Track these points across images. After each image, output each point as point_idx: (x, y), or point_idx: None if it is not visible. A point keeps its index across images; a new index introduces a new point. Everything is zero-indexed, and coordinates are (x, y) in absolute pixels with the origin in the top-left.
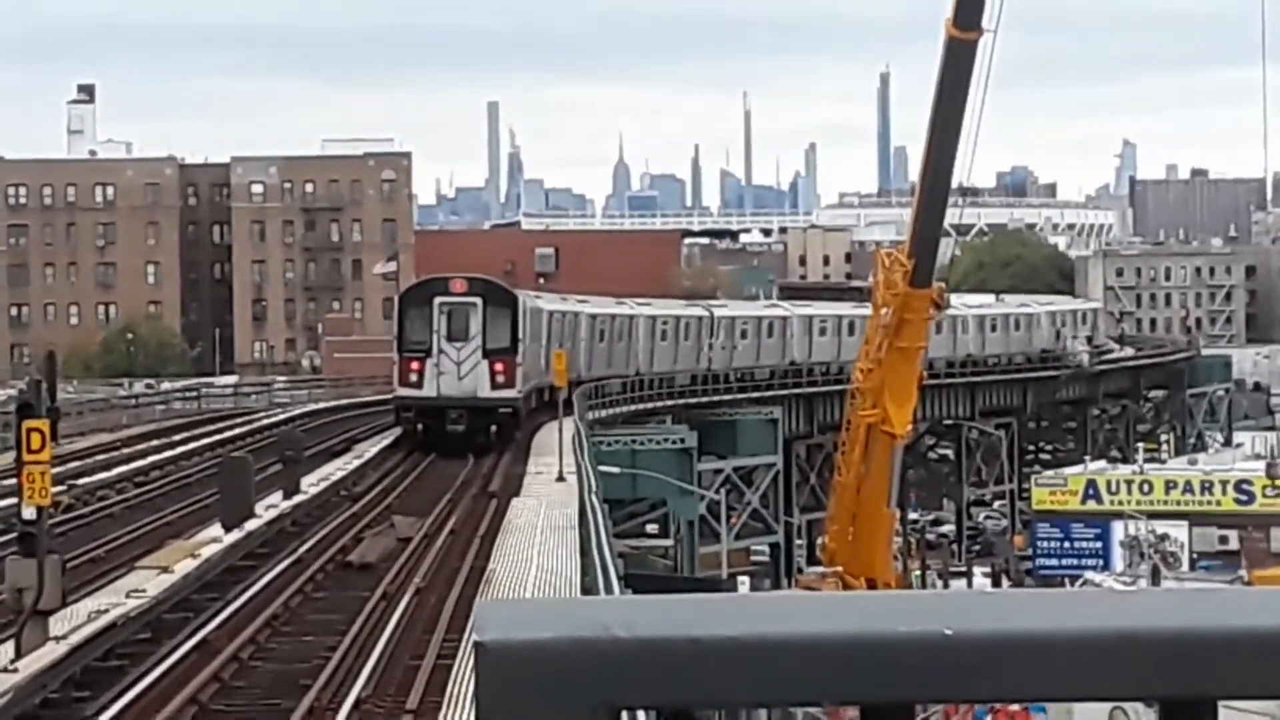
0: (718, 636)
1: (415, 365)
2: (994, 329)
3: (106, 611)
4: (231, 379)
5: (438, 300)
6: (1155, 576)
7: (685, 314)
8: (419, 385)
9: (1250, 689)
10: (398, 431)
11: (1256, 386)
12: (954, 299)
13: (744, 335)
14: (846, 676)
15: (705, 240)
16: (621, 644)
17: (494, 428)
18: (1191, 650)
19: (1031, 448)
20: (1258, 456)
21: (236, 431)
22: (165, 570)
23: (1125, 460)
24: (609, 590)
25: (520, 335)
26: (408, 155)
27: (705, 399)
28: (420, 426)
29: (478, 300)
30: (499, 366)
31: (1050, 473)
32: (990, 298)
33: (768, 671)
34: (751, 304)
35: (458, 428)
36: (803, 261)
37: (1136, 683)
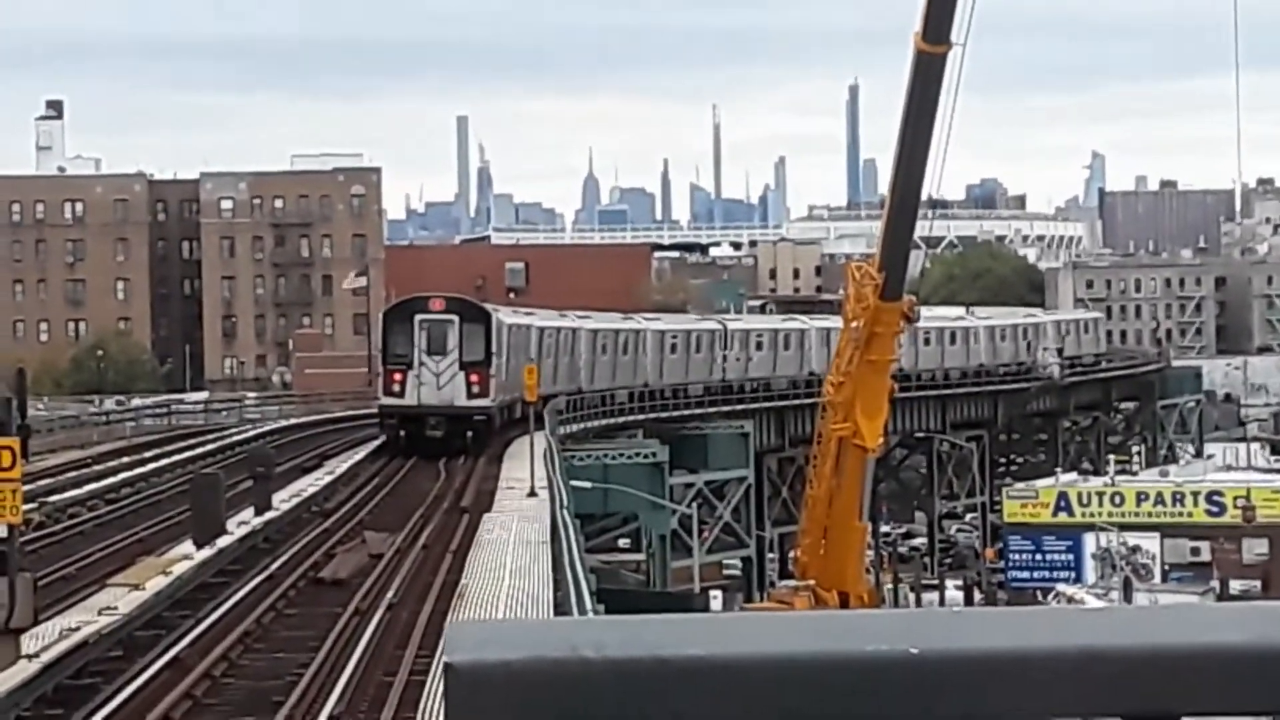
0: (685, 657)
1: (398, 376)
2: (1003, 339)
3: (78, 629)
4: (202, 395)
5: (418, 317)
6: (1127, 588)
7: (697, 327)
8: (401, 395)
9: (1214, 705)
10: (369, 448)
11: (1227, 398)
12: (956, 311)
13: (759, 347)
14: (814, 695)
15: (675, 254)
16: (590, 664)
17: (470, 434)
18: (1155, 667)
19: (1003, 460)
20: (1229, 467)
21: (207, 448)
22: (137, 587)
23: (1096, 472)
24: (581, 606)
25: (494, 349)
26: (377, 170)
27: (676, 413)
28: (402, 432)
29: (455, 317)
30: (474, 378)
31: (1022, 485)
32: (961, 310)
33: (735, 691)
34: (767, 317)
35: (436, 433)
36: (773, 275)
37: (1102, 700)
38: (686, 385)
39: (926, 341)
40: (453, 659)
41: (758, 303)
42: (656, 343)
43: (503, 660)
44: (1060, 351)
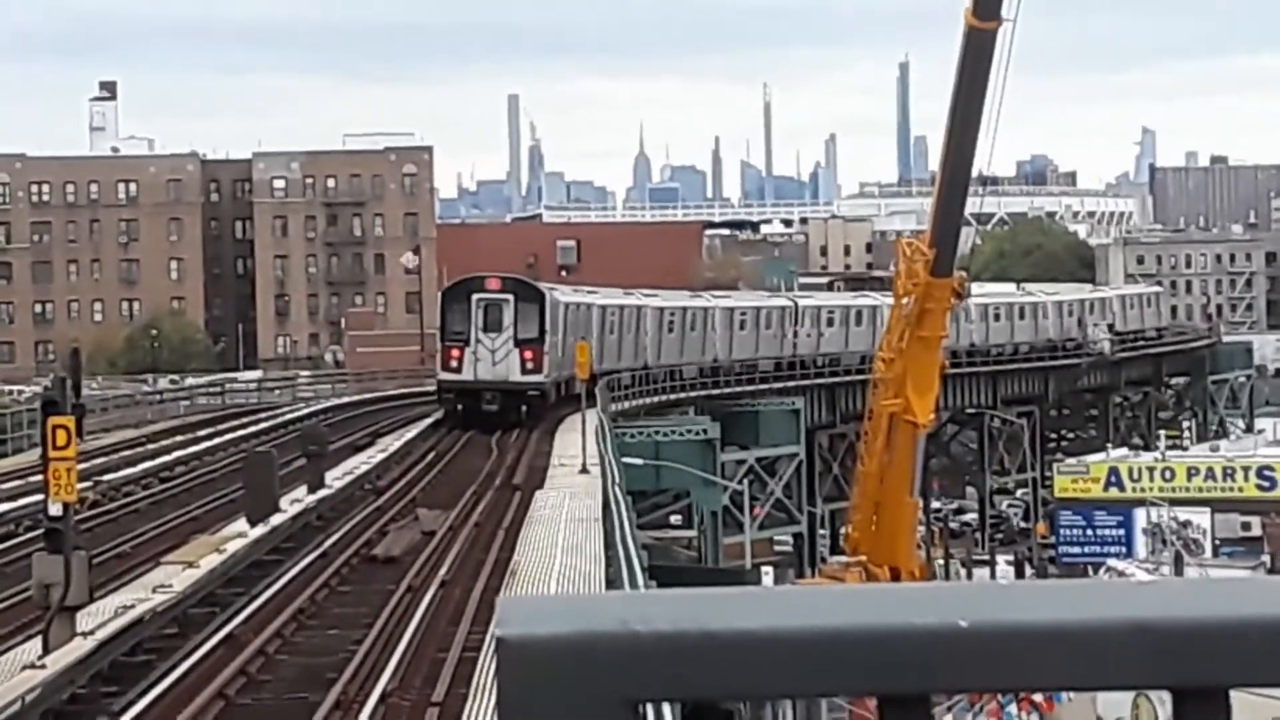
0: (734, 630)
1: (455, 353)
2: (1070, 314)
3: (133, 607)
4: (255, 374)
5: (475, 296)
6: (1178, 563)
7: (767, 304)
8: (459, 370)
9: (1261, 676)
10: (421, 426)
11: (1278, 373)
12: (1010, 287)
13: (830, 324)
14: (863, 668)
15: (726, 231)
16: (640, 638)
17: (524, 408)
18: (1203, 639)
19: (1054, 436)
20: (1279, 442)
21: (261, 427)
22: (191, 565)
23: (1147, 447)
24: (633, 582)
25: (547, 327)
26: (429, 149)
27: (727, 389)
28: (460, 406)
29: (510, 296)
30: (528, 354)
31: (1072, 460)
32: (1012, 286)
33: (785, 664)
34: (836, 294)
35: (492, 407)
36: (824, 252)
37: (1149, 671)
38: (757, 361)
39: (996, 318)
40: (503, 633)
41: (812, 279)
42: (725, 319)
43: (553, 634)
44: (1111, 327)
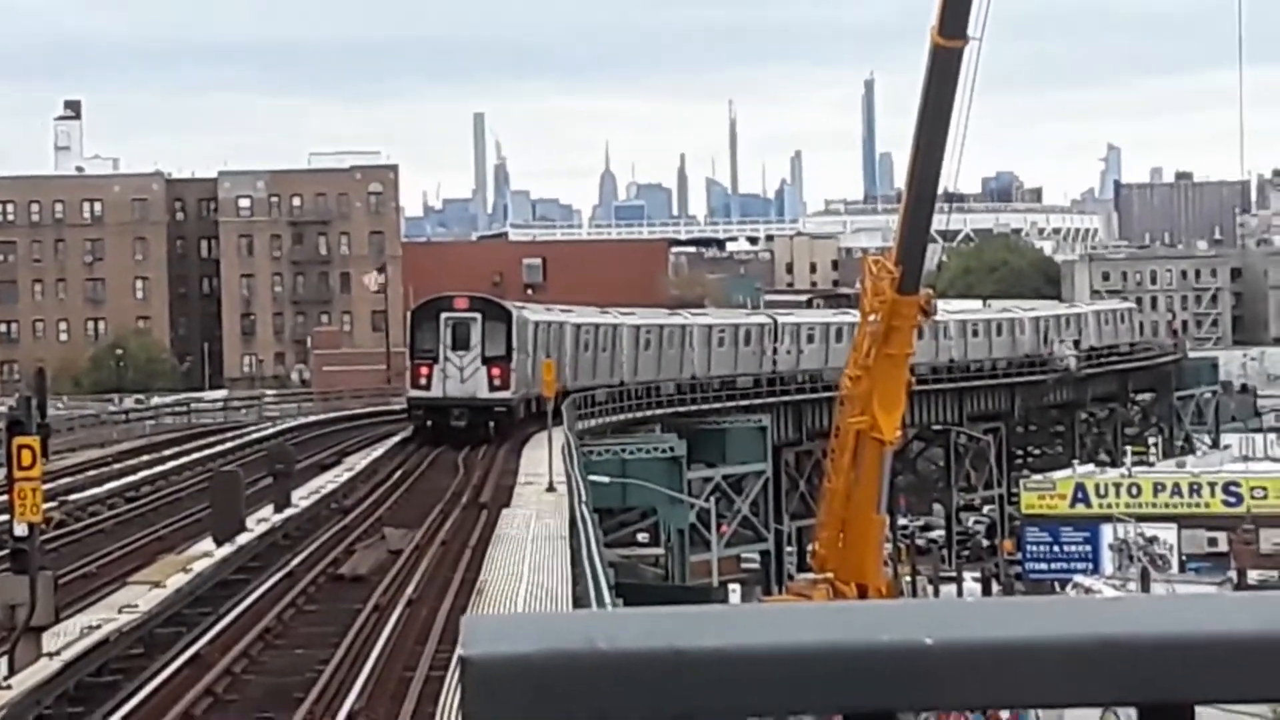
0: (702, 648)
1: (425, 370)
2: (1047, 329)
3: (99, 627)
4: (221, 393)
5: (444, 315)
6: (1145, 579)
7: (746, 321)
8: (428, 387)
9: (1226, 693)
10: (388, 444)
11: (1243, 388)
12: (1000, 303)
13: (810, 340)
14: (830, 686)
15: (692, 249)
16: (606, 657)
17: (492, 424)
18: (1169, 655)
19: (1020, 452)
20: (1245, 458)
21: (227, 446)
22: (157, 585)
23: (1113, 463)
24: (600, 600)
25: (514, 345)
26: (394, 168)
27: (694, 407)
28: (429, 422)
29: (478, 315)
30: (496, 371)
31: (1039, 477)
32: (979, 303)
33: (752, 682)
34: (816, 311)
35: (460, 423)
36: (790, 269)
37: (1115, 688)
38: (735, 377)
39: (975, 333)
40: (468, 652)
41: (778, 297)
42: (704, 336)
43: (518, 653)
44: (1076, 343)
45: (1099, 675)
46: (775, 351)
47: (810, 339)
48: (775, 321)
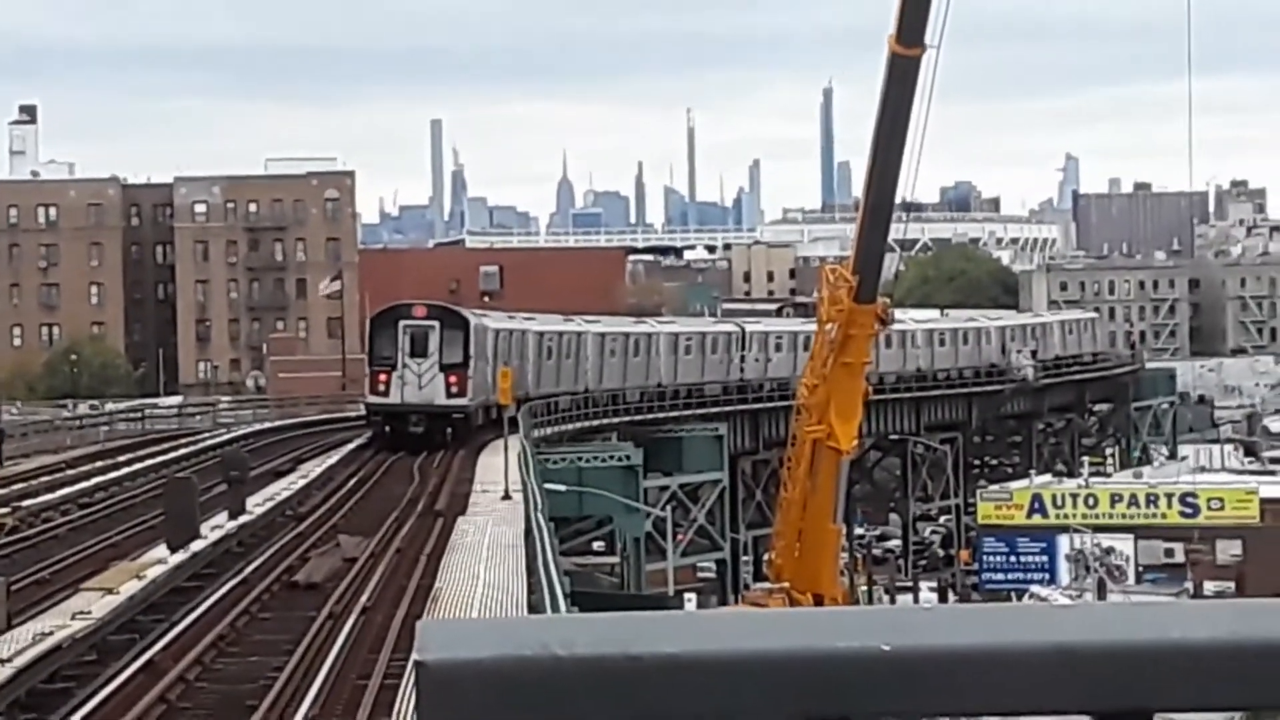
0: (657, 654)
1: (383, 377)
2: (1013, 339)
3: (52, 634)
4: (176, 400)
5: (402, 323)
6: (1101, 590)
7: (713, 330)
8: (386, 394)
9: (1185, 701)
10: (343, 451)
11: (1201, 399)
12: (968, 313)
13: (779, 349)
14: (786, 691)
15: (649, 257)
16: (562, 662)
17: (449, 430)
18: (1127, 663)
19: (977, 462)
20: (1202, 469)
21: (181, 452)
22: (111, 592)
23: (1070, 474)
24: (555, 608)
25: (471, 353)
26: (351, 174)
27: (651, 415)
28: (387, 428)
29: (436, 323)
30: (453, 379)
31: (996, 487)
32: (936, 313)
33: (707, 688)
34: (785, 319)
35: (418, 429)
36: (747, 278)
37: (1073, 696)
38: (703, 385)
39: (941, 342)
40: (423, 657)
41: (735, 305)
42: (670, 344)
43: (473, 658)
44: (1034, 353)
45: (1056, 683)
46: (743, 360)
47: (778, 347)
48: (743, 330)
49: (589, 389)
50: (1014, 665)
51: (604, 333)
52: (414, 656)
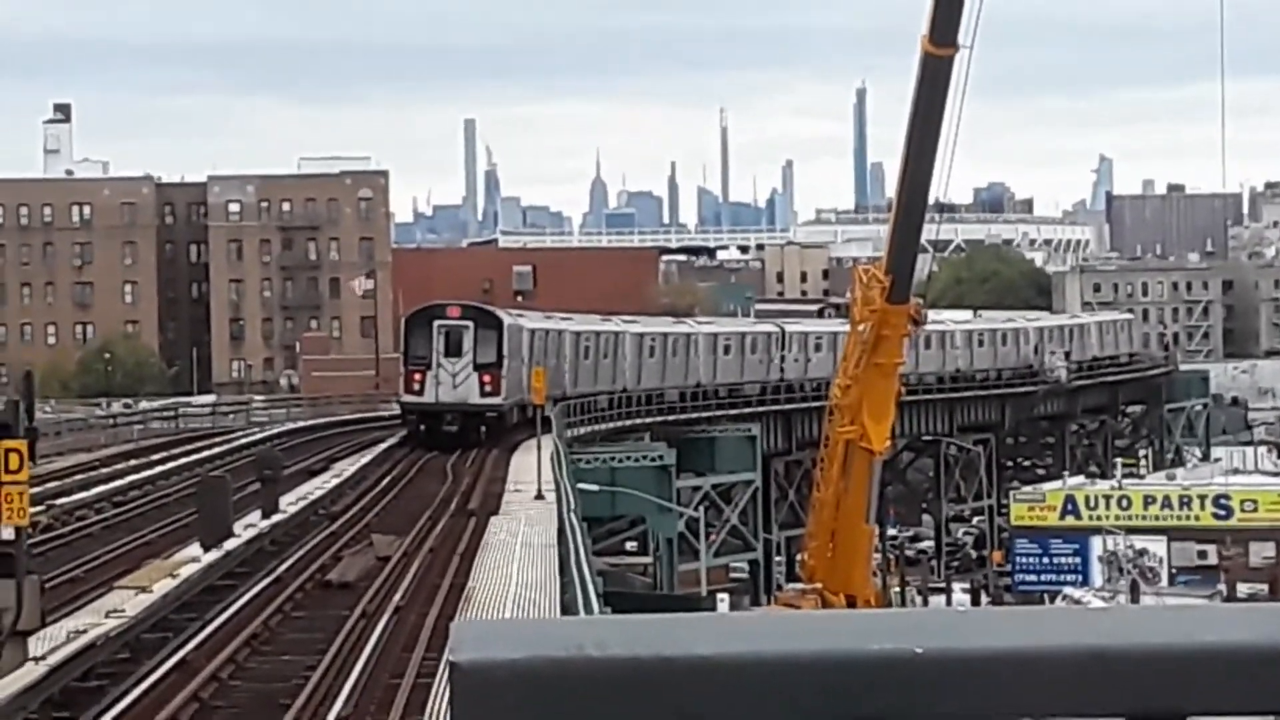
0: (690, 656)
1: (418, 376)
2: (1050, 339)
3: (85, 632)
4: (209, 398)
5: (436, 323)
6: (1134, 592)
7: (752, 330)
8: (421, 393)
9: (1219, 705)
10: (376, 451)
11: (1234, 401)
12: (1005, 314)
13: (818, 349)
14: (818, 694)
15: (682, 257)
16: (595, 663)
17: (483, 428)
18: (1161, 667)
19: (1010, 463)
20: (1235, 471)
21: (215, 451)
22: (144, 590)
23: (1103, 476)
24: (588, 608)
25: (505, 352)
26: (385, 173)
27: (684, 415)
28: (422, 426)
29: (470, 323)
30: (486, 378)
31: (1029, 488)
32: (969, 314)
33: (739, 690)
34: (825, 320)
35: (452, 428)
36: (780, 278)
37: (1108, 700)
38: (743, 385)
39: (980, 343)
40: (457, 657)
41: (768, 305)
42: (709, 344)
43: (507, 659)
44: (1068, 354)
45: (1092, 686)
46: (783, 360)
47: (818, 347)
48: (783, 330)
49: (627, 389)
50: (1048, 668)
51: (642, 333)
52: (448, 656)
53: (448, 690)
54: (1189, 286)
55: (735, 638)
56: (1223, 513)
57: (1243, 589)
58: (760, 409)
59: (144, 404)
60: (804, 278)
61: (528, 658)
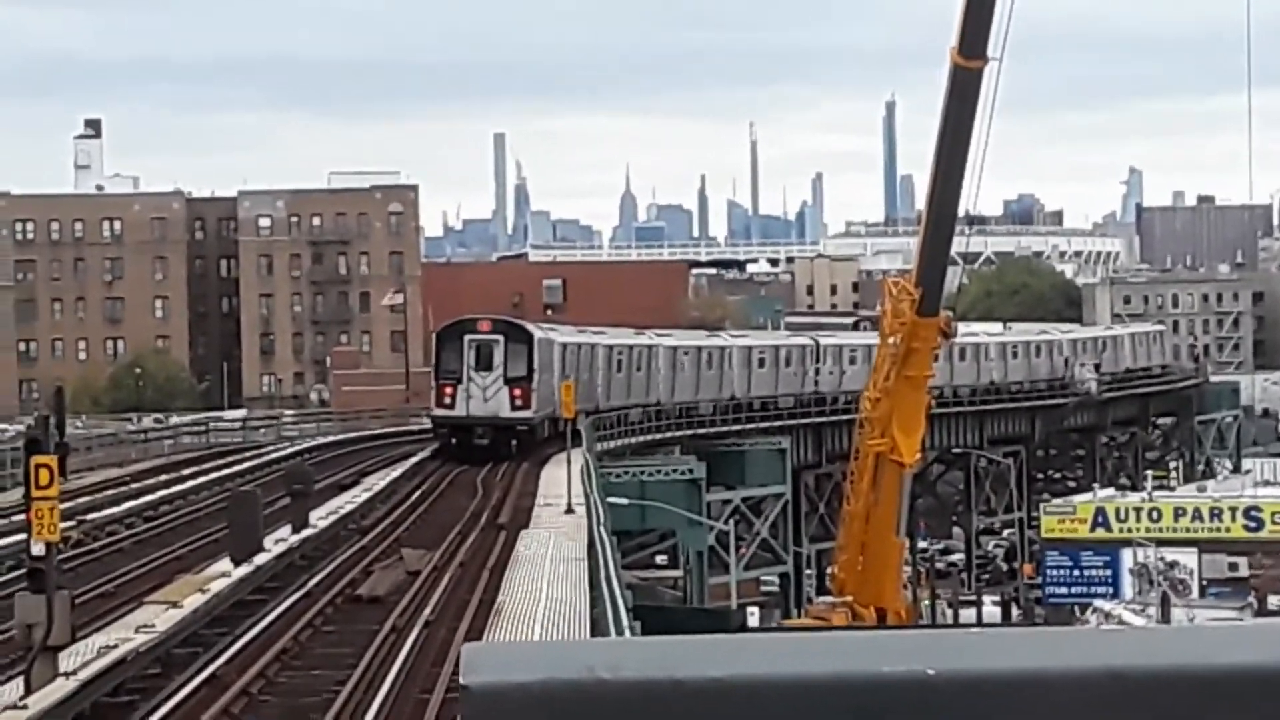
0: (701, 678)
1: (449, 390)
2: (1084, 351)
3: (116, 647)
4: (240, 413)
5: (467, 337)
6: (1165, 604)
7: (787, 343)
8: (452, 406)
9: None
10: (406, 465)
11: (1265, 413)
12: (1038, 326)
13: (853, 362)
14: (830, 716)
15: (712, 271)
16: (607, 686)
17: (514, 442)
18: (1178, 688)
19: (1040, 476)
20: (1266, 483)
21: (245, 465)
22: (174, 605)
23: (1134, 488)
24: (618, 623)
25: (535, 366)
26: (414, 188)
27: (714, 429)
28: (453, 440)
29: (500, 337)
30: (517, 392)
31: (1059, 501)
32: (999, 326)
33: (751, 712)
34: (860, 333)
35: (483, 441)
36: (810, 291)
37: None
38: (777, 398)
39: (1014, 355)
40: (469, 681)
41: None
42: (743, 358)
43: (519, 682)
44: (1098, 366)
45: (1108, 707)
46: (818, 373)
47: (853, 360)
48: (817, 343)
49: (660, 402)
50: (1063, 689)
51: (676, 346)
52: (460, 680)
53: (460, 714)
54: (1219, 298)
55: (747, 660)
56: (1254, 524)
57: (1274, 601)
58: (791, 422)
59: (174, 419)
60: (834, 290)
61: (540, 680)
